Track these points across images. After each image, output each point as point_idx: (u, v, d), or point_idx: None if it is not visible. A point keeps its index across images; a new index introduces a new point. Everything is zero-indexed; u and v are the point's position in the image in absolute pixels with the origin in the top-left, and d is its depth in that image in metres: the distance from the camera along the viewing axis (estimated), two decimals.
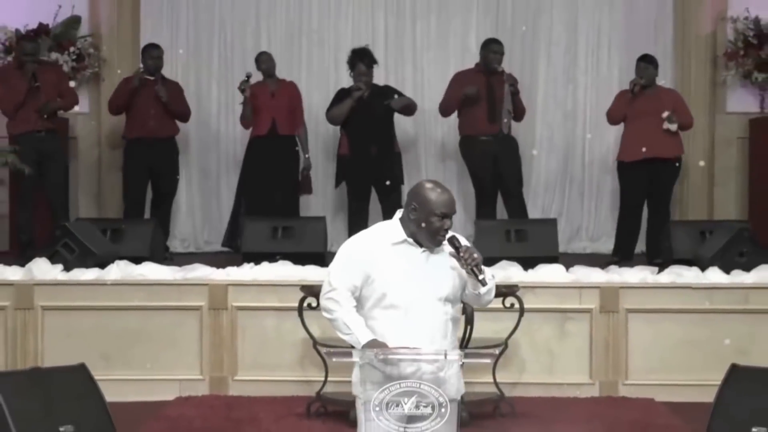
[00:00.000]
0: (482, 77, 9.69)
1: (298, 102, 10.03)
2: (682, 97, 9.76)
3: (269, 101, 9.86)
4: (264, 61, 10.05)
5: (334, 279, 4.52)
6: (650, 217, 9.57)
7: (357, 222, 9.42)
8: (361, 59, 9.53)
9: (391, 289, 4.47)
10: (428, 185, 4.48)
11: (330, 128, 10.20)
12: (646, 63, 9.52)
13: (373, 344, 4.37)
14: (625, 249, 9.44)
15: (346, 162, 9.70)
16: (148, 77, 9.73)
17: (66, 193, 9.67)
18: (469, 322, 6.46)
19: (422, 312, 4.47)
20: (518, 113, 9.82)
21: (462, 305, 4.69)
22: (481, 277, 4.40)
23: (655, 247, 9.32)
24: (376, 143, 9.49)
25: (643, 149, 9.24)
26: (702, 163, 10.35)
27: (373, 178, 9.57)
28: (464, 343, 6.40)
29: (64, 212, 9.40)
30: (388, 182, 9.52)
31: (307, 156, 9.99)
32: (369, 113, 9.45)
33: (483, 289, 4.48)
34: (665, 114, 9.30)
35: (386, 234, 4.53)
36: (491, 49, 9.73)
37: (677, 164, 9.56)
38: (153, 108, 9.65)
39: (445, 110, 9.82)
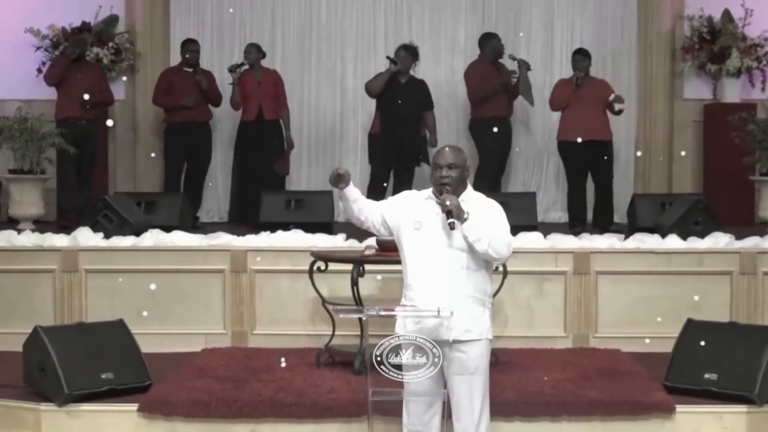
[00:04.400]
0: (493, 67, 9.67)
1: (281, 88, 9.88)
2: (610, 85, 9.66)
3: (256, 89, 9.74)
4: (248, 52, 9.87)
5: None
6: (596, 192, 9.53)
7: (372, 197, 9.27)
8: (406, 48, 9.51)
9: (413, 237, 4.61)
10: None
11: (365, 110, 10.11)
12: (582, 56, 9.50)
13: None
14: (579, 218, 9.37)
15: (375, 141, 9.58)
16: (187, 69, 9.69)
17: (91, 174, 9.57)
18: None
19: (437, 259, 4.54)
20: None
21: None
22: (449, 220, 4.46)
23: (600, 216, 9.36)
24: (401, 126, 9.35)
25: (579, 135, 9.09)
26: (639, 154, 10.41)
27: (394, 157, 9.42)
28: None
29: (87, 190, 9.34)
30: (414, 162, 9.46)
31: (287, 137, 9.80)
32: (401, 98, 9.32)
33: (470, 238, 4.48)
34: (612, 96, 9.23)
35: (422, 192, 4.76)
36: (497, 40, 9.81)
37: (610, 146, 9.48)
38: (192, 96, 9.57)
39: (481, 98, 9.66)
